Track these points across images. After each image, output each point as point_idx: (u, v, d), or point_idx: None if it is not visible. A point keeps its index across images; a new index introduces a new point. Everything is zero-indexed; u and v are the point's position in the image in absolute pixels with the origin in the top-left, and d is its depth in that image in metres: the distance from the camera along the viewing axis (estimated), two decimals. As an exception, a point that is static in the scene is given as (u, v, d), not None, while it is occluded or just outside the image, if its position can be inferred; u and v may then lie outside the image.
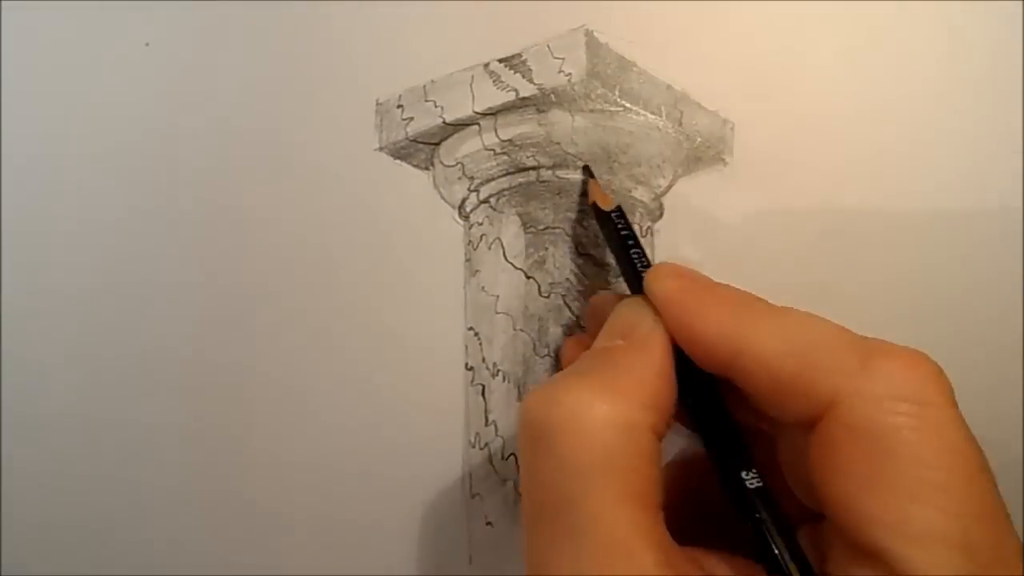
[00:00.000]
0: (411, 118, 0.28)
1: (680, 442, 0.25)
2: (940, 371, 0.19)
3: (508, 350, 0.29)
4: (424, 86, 0.28)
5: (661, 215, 0.29)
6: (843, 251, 0.30)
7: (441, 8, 0.28)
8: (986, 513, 0.18)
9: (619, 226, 0.25)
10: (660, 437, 0.20)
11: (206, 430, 0.29)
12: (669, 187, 0.29)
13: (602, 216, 0.26)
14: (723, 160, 0.29)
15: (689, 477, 0.25)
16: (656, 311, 0.22)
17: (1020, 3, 0.29)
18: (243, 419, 0.29)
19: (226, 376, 0.29)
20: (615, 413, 0.19)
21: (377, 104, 0.28)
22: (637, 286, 0.23)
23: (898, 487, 0.18)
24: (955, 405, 0.19)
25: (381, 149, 0.28)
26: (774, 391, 0.20)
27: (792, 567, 0.19)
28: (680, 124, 0.29)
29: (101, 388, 0.28)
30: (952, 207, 0.30)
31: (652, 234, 0.29)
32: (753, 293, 0.22)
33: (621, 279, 0.29)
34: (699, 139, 0.29)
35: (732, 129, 0.29)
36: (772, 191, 0.29)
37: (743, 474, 0.20)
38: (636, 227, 0.29)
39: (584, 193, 0.28)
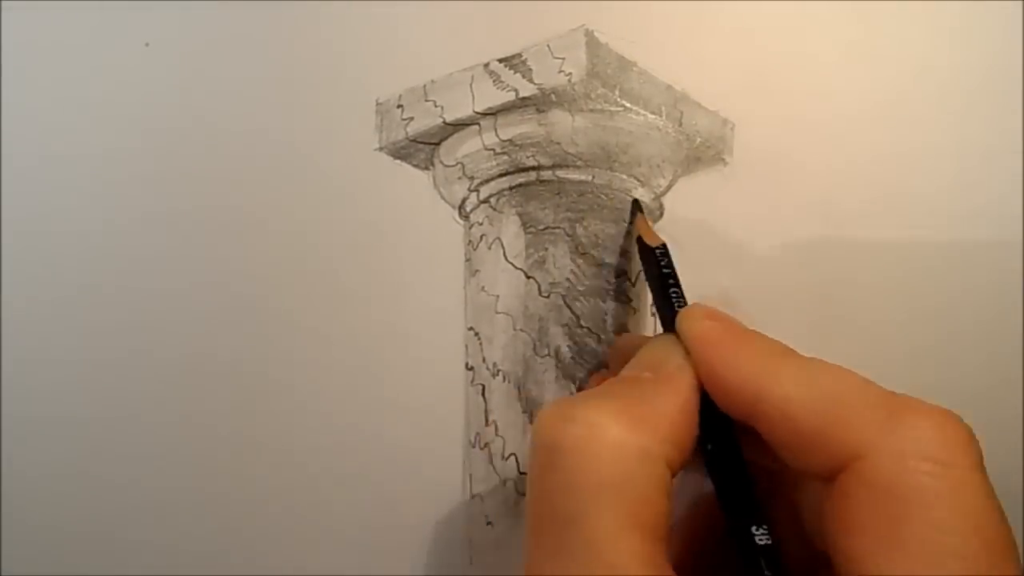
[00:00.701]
0: (411, 118, 0.28)
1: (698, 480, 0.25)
2: (969, 433, 0.19)
3: (508, 350, 0.29)
4: (424, 86, 0.28)
5: (661, 215, 0.29)
6: (843, 251, 0.30)
7: (441, 8, 0.28)
8: None
9: (662, 263, 0.25)
10: (674, 472, 0.20)
11: (205, 430, 0.29)
12: (669, 187, 0.29)
13: (646, 251, 0.26)
14: (723, 160, 0.29)
15: (700, 517, 0.24)
16: (686, 351, 0.22)
17: (1020, 3, 0.29)
18: (243, 419, 0.29)
19: (226, 376, 0.29)
20: (631, 439, 0.19)
21: (377, 104, 0.28)
22: (671, 324, 0.23)
23: (913, 549, 0.17)
24: (982, 469, 0.18)
25: (381, 149, 0.28)
26: (795, 442, 0.20)
27: None
28: (680, 124, 0.29)
29: (101, 388, 0.28)
30: (952, 207, 0.30)
31: (652, 234, 0.29)
32: (783, 344, 0.21)
33: (621, 279, 0.29)
34: (699, 139, 0.29)
35: (732, 129, 0.29)
36: (772, 191, 0.29)
37: (754, 529, 0.20)
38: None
39: (631, 223, 0.28)
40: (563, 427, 0.19)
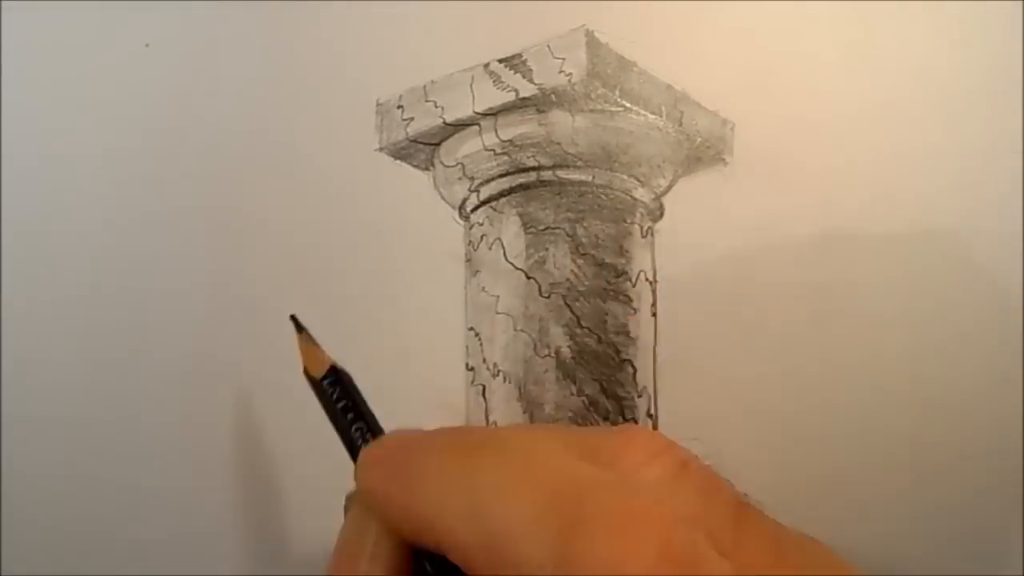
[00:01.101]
0: (411, 118, 0.28)
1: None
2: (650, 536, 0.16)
3: (508, 350, 0.29)
4: (424, 86, 0.28)
5: (661, 215, 0.29)
6: (842, 251, 0.30)
7: (441, 8, 0.28)
8: None
9: (333, 394, 0.22)
10: None
11: (205, 430, 0.29)
12: (669, 187, 0.29)
13: (313, 383, 0.22)
14: (723, 160, 0.29)
15: None
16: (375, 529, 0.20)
17: (1020, 3, 0.30)
18: (242, 419, 0.29)
19: (225, 376, 0.29)
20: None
21: (377, 104, 0.28)
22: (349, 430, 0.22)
23: None
24: None
25: (381, 149, 0.28)
26: None
27: None
28: (680, 124, 0.29)
29: (101, 388, 0.28)
30: (952, 207, 0.30)
31: (652, 234, 0.29)
32: (458, 453, 0.19)
33: (621, 279, 0.29)
34: (699, 139, 0.29)
35: (732, 129, 0.29)
36: (772, 191, 0.29)
37: None
38: (637, 227, 0.29)
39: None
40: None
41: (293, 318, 0.23)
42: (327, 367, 0.22)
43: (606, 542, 0.15)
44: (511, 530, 0.16)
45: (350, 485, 0.29)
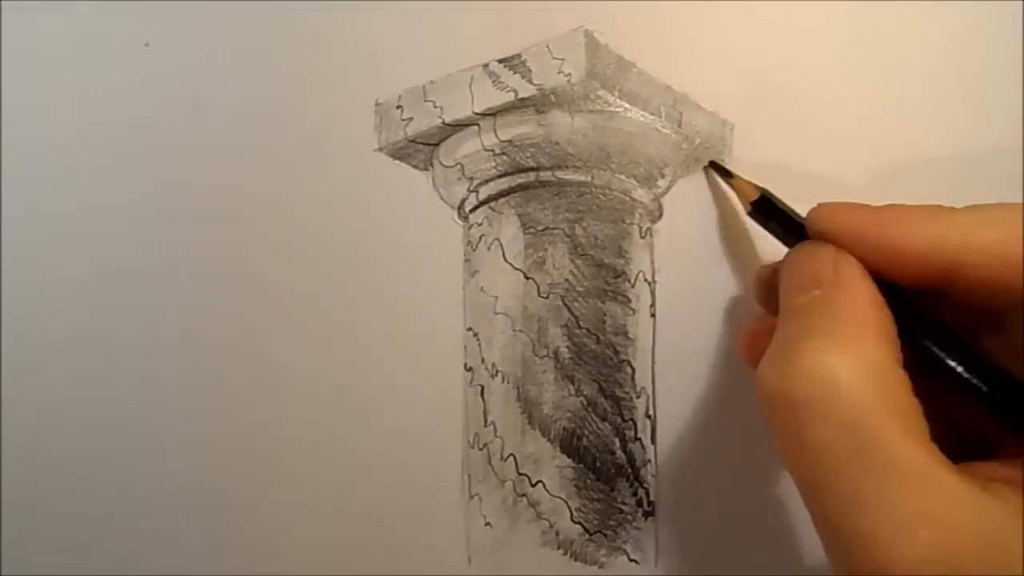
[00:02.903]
0: (411, 118, 0.28)
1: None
2: None
3: (507, 351, 0.29)
4: (424, 86, 0.28)
5: (661, 215, 0.29)
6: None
7: (441, 8, 0.28)
8: None
9: (774, 206, 0.26)
10: (903, 364, 0.20)
11: (205, 431, 0.29)
12: (669, 187, 0.29)
13: (757, 205, 0.26)
14: (723, 160, 0.29)
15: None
16: (837, 248, 0.22)
17: (1020, 3, 0.29)
18: (242, 419, 0.29)
19: (225, 377, 0.29)
20: (858, 362, 0.19)
21: (377, 104, 0.28)
22: (797, 235, 0.24)
23: None
24: None
25: (381, 149, 0.28)
26: (1007, 279, 0.20)
27: None
28: (680, 125, 0.29)
29: (103, 385, 0.29)
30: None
31: (652, 234, 0.29)
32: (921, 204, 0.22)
33: (620, 279, 0.29)
34: (699, 139, 0.29)
35: (732, 129, 0.29)
36: (772, 191, 0.29)
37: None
38: (636, 227, 0.29)
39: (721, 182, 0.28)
40: (796, 385, 0.19)
41: (713, 163, 0.29)
42: (759, 192, 0.26)
43: None
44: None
45: (350, 485, 0.29)
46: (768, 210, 0.26)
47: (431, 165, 0.29)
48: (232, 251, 0.29)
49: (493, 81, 0.28)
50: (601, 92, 0.28)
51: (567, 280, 0.29)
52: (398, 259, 0.29)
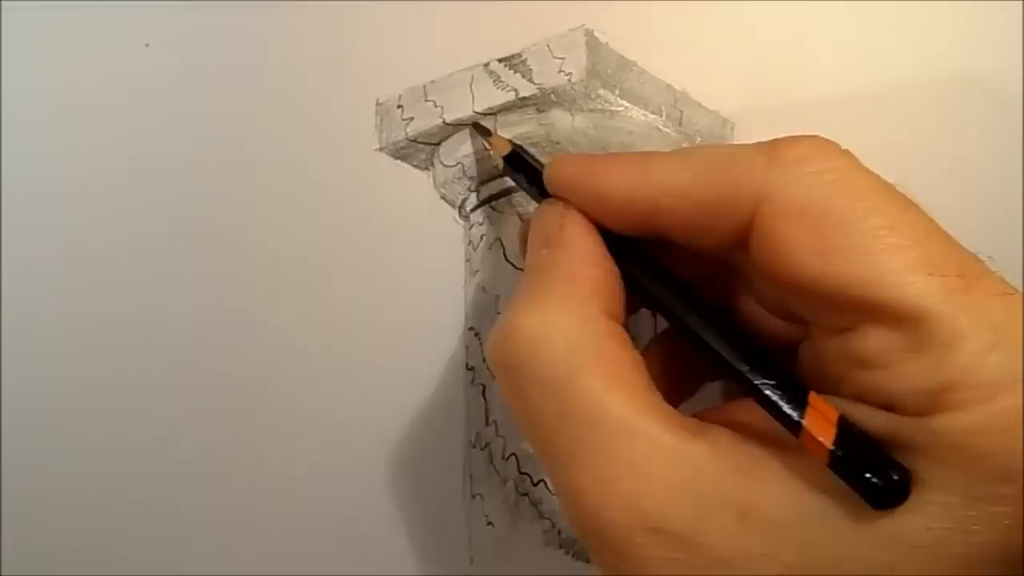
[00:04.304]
0: (411, 118, 0.28)
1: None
2: (837, 144, 0.20)
3: (508, 350, 0.29)
4: (424, 86, 0.28)
5: (661, 215, 0.29)
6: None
7: (441, 8, 0.28)
8: (934, 232, 0.19)
9: (523, 160, 0.25)
10: (619, 320, 0.20)
11: (205, 431, 0.29)
12: (669, 187, 0.29)
13: (509, 160, 0.26)
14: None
15: (668, 349, 0.25)
16: (565, 204, 0.22)
17: (1020, 3, 0.29)
18: (242, 419, 0.29)
19: (225, 377, 0.29)
20: (566, 319, 0.19)
21: (377, 104, 0.28)
22: (540, 191, 0.23)
23: (855, 243, 0.18)
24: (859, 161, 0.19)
25: (381, 149, 0.28)
26: (699, 218, 0.20)
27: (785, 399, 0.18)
28: (680, 124, 0.29)
29: (101, 388, 0.28)
30: (952, 207, 0.30)
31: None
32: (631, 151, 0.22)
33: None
34: (699, 139, 0.29)
35: (732, 129, 0.29)
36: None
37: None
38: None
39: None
40: (508, 346, 0.20)
41: (475, 124, 0.28)
42: (510, 147, 0.26)
43: (805, 148, 0.20)
44: (731, 156, 0.20)
45: (349, 485, 0.29)
46: (518, 165, 0.25)
47: (432, 165, 0.29)
48: (232, 251, 0.28)
49: (494, 80, 0.28)
50: (602, 91, 0.28)
51: (568, 279, 0.29)
52: (399, 259, 0.29)
